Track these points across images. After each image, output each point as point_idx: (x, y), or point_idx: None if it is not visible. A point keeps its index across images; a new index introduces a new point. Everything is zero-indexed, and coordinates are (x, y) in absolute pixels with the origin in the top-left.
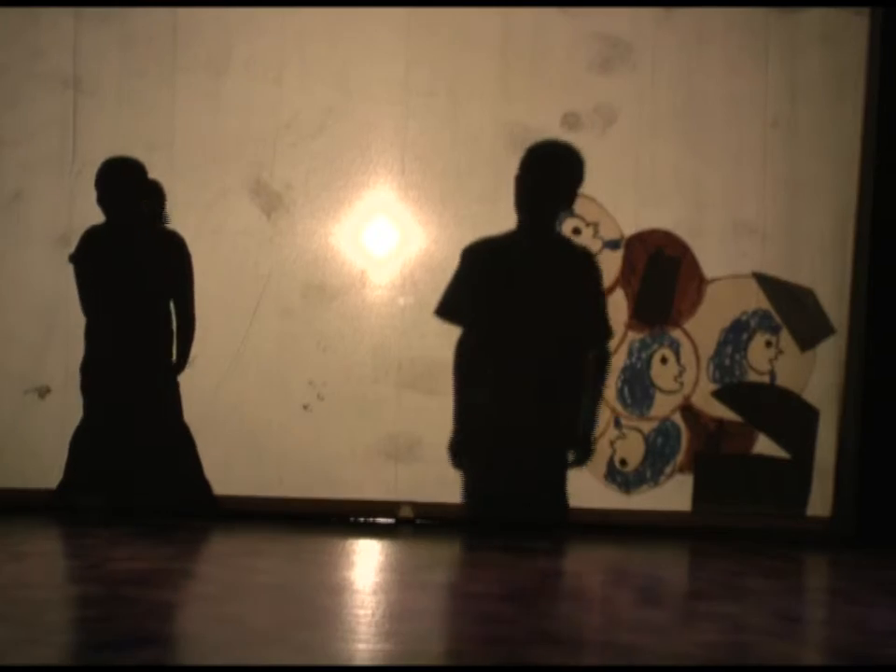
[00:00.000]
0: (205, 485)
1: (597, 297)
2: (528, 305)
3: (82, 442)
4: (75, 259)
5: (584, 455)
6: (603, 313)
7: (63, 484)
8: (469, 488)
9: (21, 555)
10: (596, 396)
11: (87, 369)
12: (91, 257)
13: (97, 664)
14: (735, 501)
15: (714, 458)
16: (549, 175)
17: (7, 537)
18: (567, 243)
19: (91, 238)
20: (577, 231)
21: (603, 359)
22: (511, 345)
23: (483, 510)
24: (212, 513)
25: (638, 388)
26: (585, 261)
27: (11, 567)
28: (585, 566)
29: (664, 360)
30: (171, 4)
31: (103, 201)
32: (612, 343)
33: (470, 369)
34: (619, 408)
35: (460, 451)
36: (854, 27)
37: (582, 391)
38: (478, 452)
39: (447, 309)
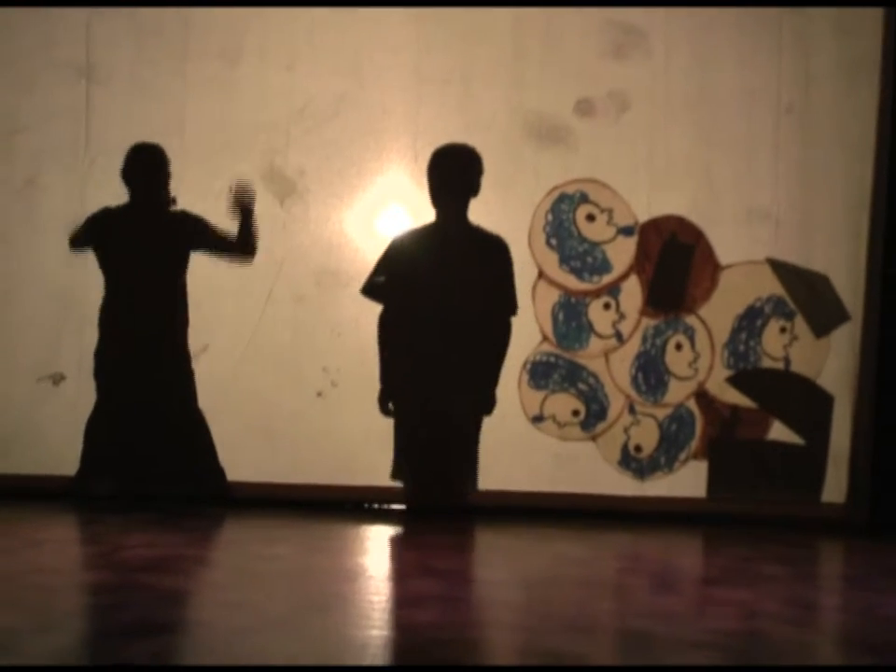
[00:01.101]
0: (220, 472)
1: (505, 277)
2: (442, 283)
3: (96, 429)
4: (85, 242)
5: (486, 405)
6: (510, 291)
7: (80, 472)
8: (398, 433)
9: (35, 542)
10: (498, 359)
11: (101, 354)
12: (106, 239)
13: (109, 650)
14: (750, 488)
15: (728, 445)
16: (452, 172)
17: (21, 523)
18: (478, 230)
19: (103, 221)
20: (591, 217)
21: (506, 331)
22: (425, 317)
23: (412, 454)
24: (225, 500)
25: (653, 375)
26: (495, 245)
27: (26, 553)
28: (600, 552)
29: (678, 347)
30: (180, 4)
31: (132, 182)
32: (626, 329)
33: (388, 338)
34: (633, 394)
35: (385, 402)
36: (869, 16)
37: (488, 355)
38: (399, 401)
39: (368, 288)
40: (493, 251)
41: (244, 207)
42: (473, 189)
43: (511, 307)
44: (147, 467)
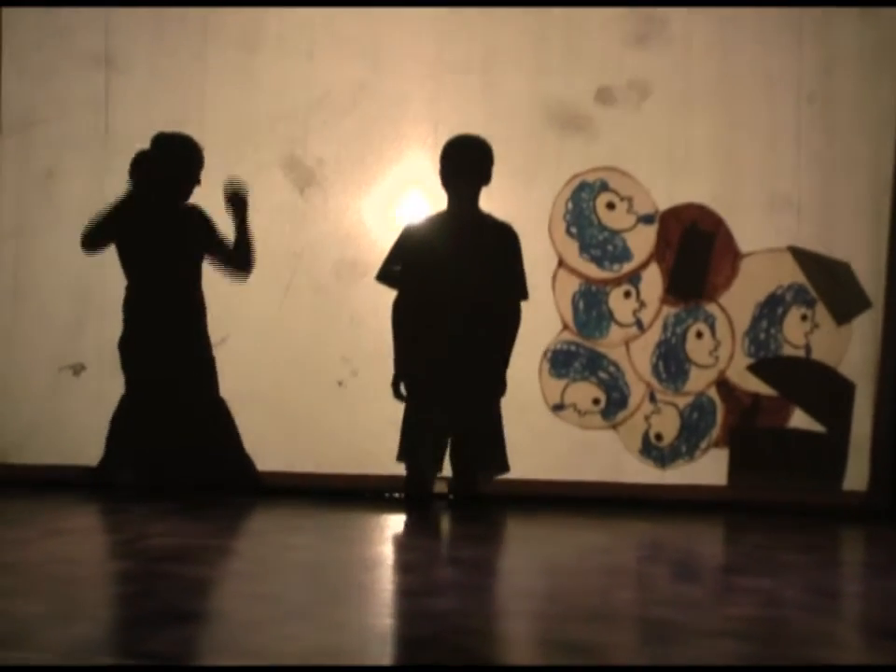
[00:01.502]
0: (248, 461)
1: (515, 263)
2: (454, 270)
3: (122, 419)
4: (103, 239)
5: (499, 388)
6: (520, 277)
7: (103, 462)
8: (409, 417)
9: (57, 531)
10: (509, 344)
11: (126, 344)
12: (125, 232)
13: (127, 640)
14: (771, 476)
15: (749, 433)
16: (463, 161)
17: (43, 513)
18: (488, 217)
19: (120, 214)
20: (611, 205)
21: (516, 315)
22: (438, 303)
23: (422, 437)
24: (256, 489)
25: (673, 363)
26: (505, 233)
27: (48, 542)
28: (621, 540)
29: (699, 335)
30: (198, 4)
31: (152, 172)
32: (646, 318)
33: (402, 323)
34: (654, 383)
35: (398, 386)
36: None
37: (500, 340)
38: (413, 387)
39: (383, 274)
40: (503, 238)
41: (236, 206)
42: (485, 178)
43: (522, 292)
44: (173, 456)
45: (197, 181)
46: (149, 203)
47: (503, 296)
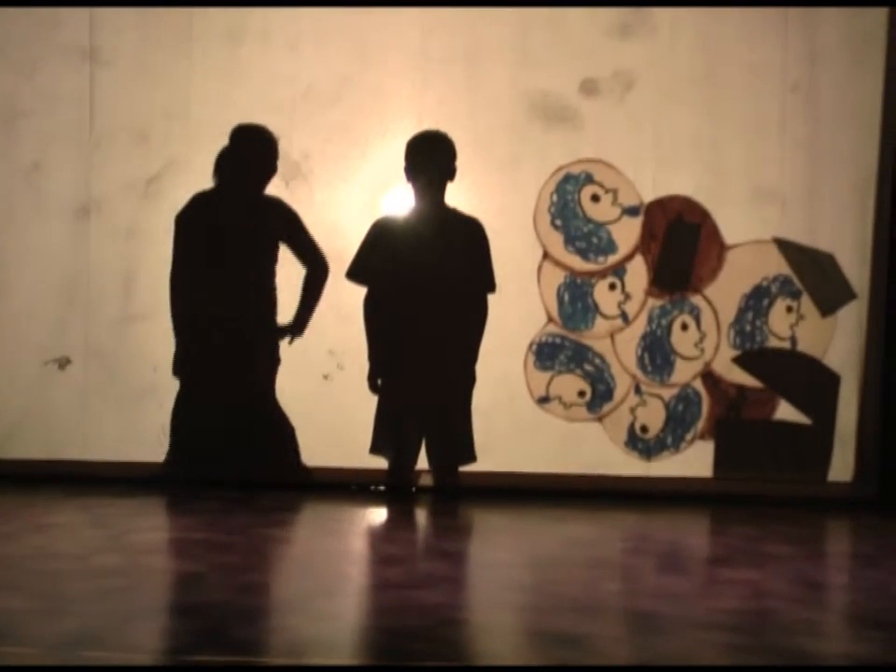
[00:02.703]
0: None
1: (483, 256)
2: (424, 265)
3: (182, 414)
4: (180, 220)
5: (469, 381)
6: (488, 270)
7: (168, 457)
8: (381, 411)
9: (43, 526)
10: (478, 335)
11: (184, 347)
12: (200, 221)
13: (115, 635)
14: (757, 467)
15: (735, 424)
16: (427, 157)
17: (29, 507)
18: (455, 212)
19: (198, 202)
20: (596, 197)
21: (484, 308)
22: (410, 299)
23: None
24: (301, 482)
25: (659, 355)
26: (472, 227)
27: (34, 537)
28: (607, 532)
29: (684, 327)
30: (182, 4)
31: (229, 165)
32: (631, 310)
33: (373, 318)
34: (639, 375)
35: (374, 380)
36: None
37: (468, 332)
38: (385, 381)
39: (353, 272)
40: (471, 232)
41: None
42: (448, 173)
43: (490, 285)
44: (228, 451)
45: (273, 169)
46: (230, 193)
47: (472, 289)
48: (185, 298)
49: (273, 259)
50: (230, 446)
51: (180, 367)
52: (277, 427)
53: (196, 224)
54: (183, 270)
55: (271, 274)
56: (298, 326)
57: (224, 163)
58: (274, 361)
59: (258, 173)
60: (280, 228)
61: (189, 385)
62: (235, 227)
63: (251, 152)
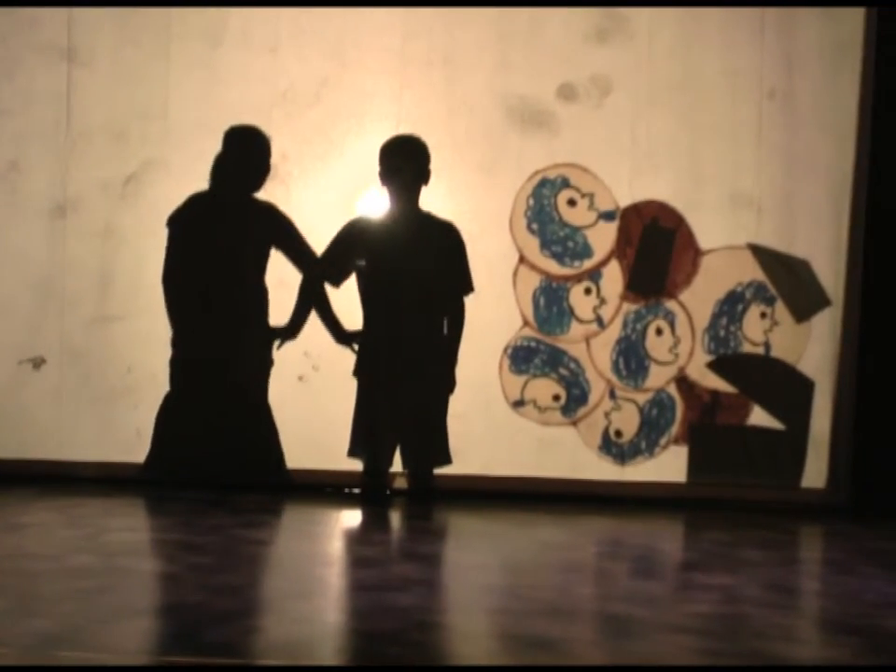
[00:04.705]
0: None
1: (460, 258)
2: (401, 268)
3: (168, 415)
4: (172, 222)
5: (448, 383)
6: (465, 272)
7: (149, 458)
8: (359, 414)
9: (18, 526)
10: (458, 338)
11: (179, 346)
12: (192, 223)
13: (94, 635)
14: (730, 472)
15: (709, 430)
16: (401, 161)
17: (3, 507)
18: (429, 216)
19: (190, 205)
20: (572, 202)
21: (462, 309)
22: (385, 299)
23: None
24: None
25: (633, 360)
26: (447, 230)
27: (8, 537)
28: (580, 536)
29: (658, 332)
30: (165, 4)
31: (223, 166)
32: (606, 314)
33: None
34: (614, 379)
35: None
36: None
37: (448, 336)
38: (363, 384)
39: (321, 275)
40: (447, 236)
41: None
42: (422, 176)
43: (468, 287)
44: (214, 451)
45: (266, 170)
46: (224, 195)
47: (449, 291)
48: (179, 298)
49: (264, 263)
50: (217, 448)
51: (175, 368)
52: (266, 429)
53: (189, 225)
54: (176, 271)
55: (262, 276)
56: (291, 329)
57: (219, 164)
58: (267, 363)
59: (253, 173)
60: (273, 233)
61: (180, 386)
62: (229, 228)
63: (246, 153)
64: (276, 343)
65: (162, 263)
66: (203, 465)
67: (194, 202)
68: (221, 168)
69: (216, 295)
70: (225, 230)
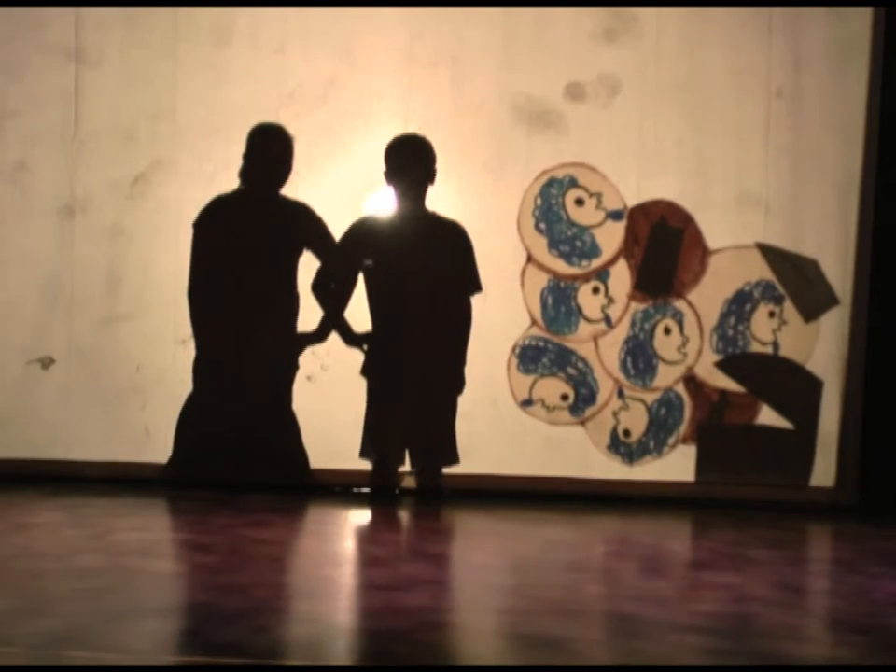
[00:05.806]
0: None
1: (467, 258)
2: (406, 267)
3: (191, 415)
4: (197, 225)
5: (456, 383)
6: (473, 271)
7: (172, 458)
8: (370, 415)
9: (26, 526)
10: (466, 337)
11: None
12: (221, 223)
13: (99, 635)
14: (739, 472)
15: (717, 429)
16: (407, 161)
17: (11, 507)
18: (435, 215)
19: (217, 206)
20: (580, 201)
21: (469, 309)
22: (392, 298)
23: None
24: (308, 486)
25: (642, 359)
26: (453, 229)
27: (16, 537)
28: (589, 535)
29: (667, 331)
30: (173, 4)
31: (249, 165)
32: (614, 314)
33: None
34: (622, 378)
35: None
36: None
37: (456, 336)
38: (374, 385)
39: (318, 281)
40: (454, 235)
41: None
42: (428, 176)
43: (476, 286)
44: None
45: (288, 168)
46: (253, 194)
47: (458, 291)
48: (204, 302)
49: (295, 264)
50: (244, 450)
51: (198, 370)
52: (294, 430)
53: (216, 227)
54: (202, 274)
55: (293, 279)
56: (320, 334)
57: (244, 165)
58: (293, 367)
59: (279, 173)
60: (306, 233)
61: (203, 387)
62: (258, 230)
63: (272, 152)
64: (307, 347)
65: (189, 266)
66: (230, 466)
67: (221, 202)
68: (249, 167)
69: (246, 296)
70: (256, 229)
